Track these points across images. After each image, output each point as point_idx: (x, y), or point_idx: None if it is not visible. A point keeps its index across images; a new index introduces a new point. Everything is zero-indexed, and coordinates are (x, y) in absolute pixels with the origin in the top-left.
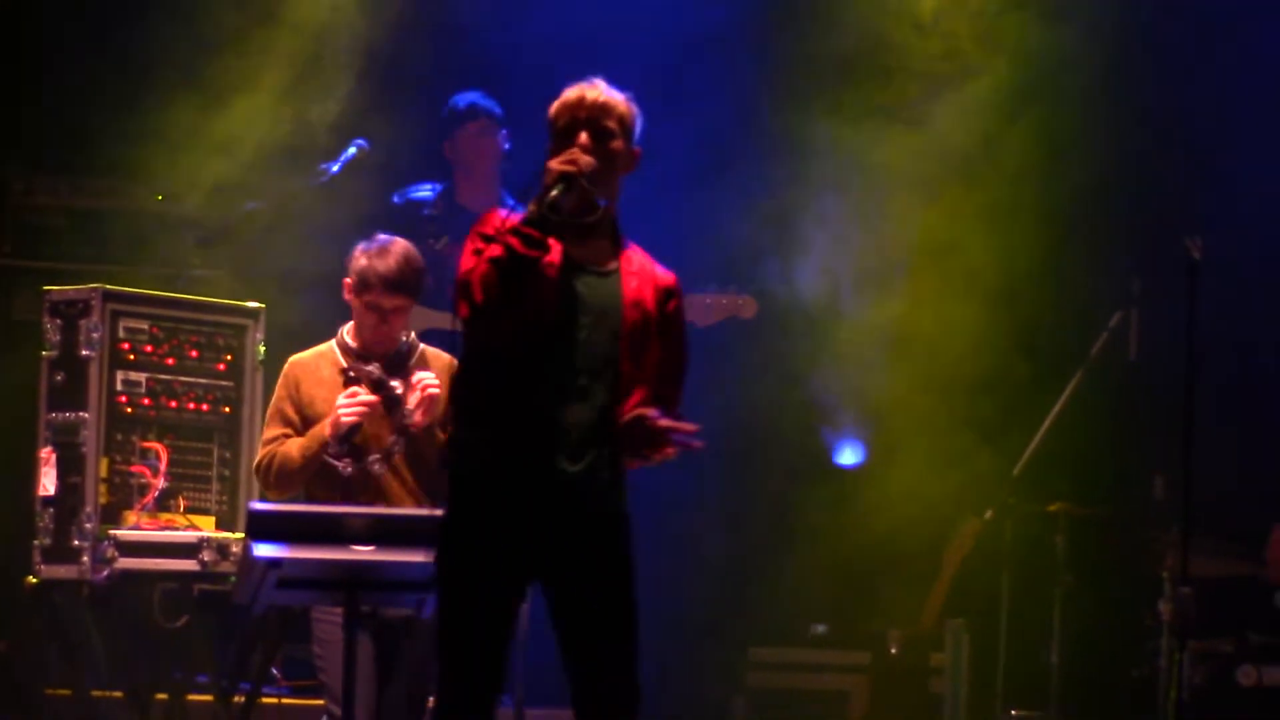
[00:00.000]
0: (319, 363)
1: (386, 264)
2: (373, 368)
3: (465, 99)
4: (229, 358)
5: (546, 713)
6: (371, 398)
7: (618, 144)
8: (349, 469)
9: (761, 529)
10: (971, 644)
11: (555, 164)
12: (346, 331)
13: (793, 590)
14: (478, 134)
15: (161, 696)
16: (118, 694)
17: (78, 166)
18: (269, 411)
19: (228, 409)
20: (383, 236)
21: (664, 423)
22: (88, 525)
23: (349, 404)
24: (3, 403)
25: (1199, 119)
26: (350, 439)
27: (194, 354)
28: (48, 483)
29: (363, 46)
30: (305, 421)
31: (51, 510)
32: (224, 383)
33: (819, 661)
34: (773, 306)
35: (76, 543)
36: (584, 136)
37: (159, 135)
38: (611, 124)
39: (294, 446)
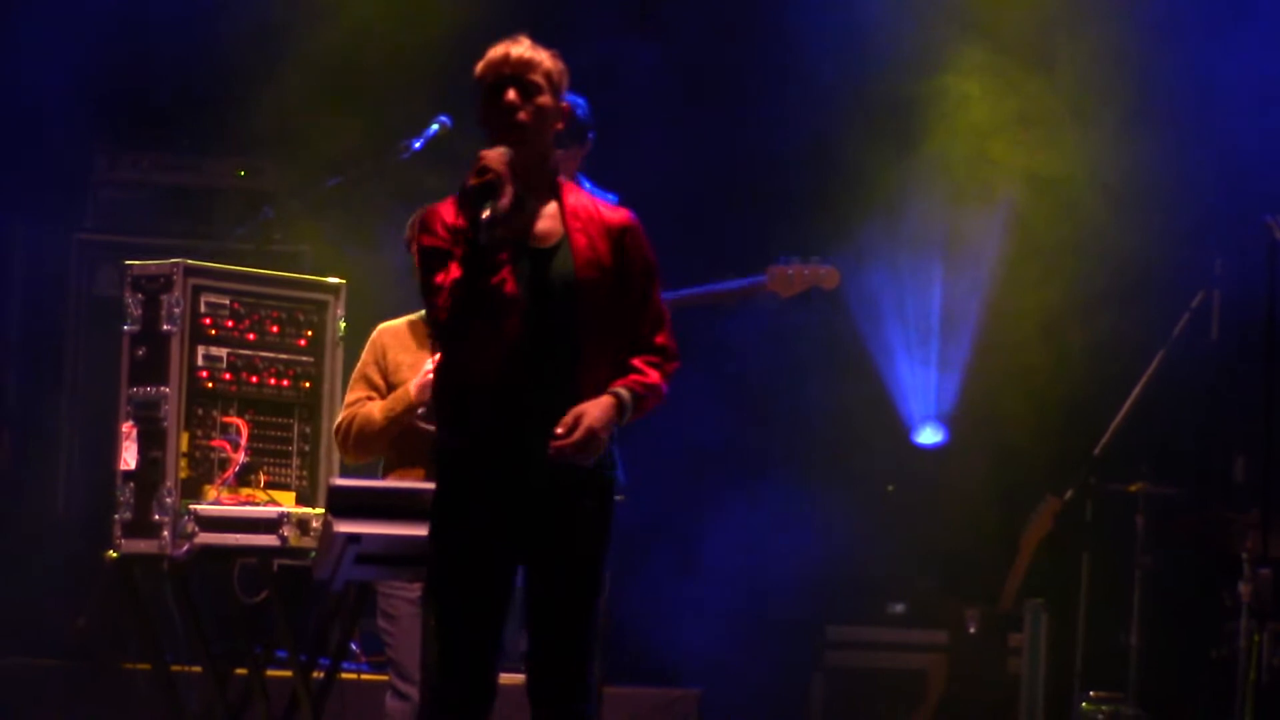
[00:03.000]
0: (407, 331)
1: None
2: None
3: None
4: (310, 333)
5: (629, 690)
6: None
7: (545, 99)
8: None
9: (838, 507)
10: (1050, 624)
11: (472, 181)
12: None
13: (871, 569)
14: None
15: (241, 671)
16: (197, 669)
17: (160, 142)
18: (353, 376)
19: (308, 384)
20: None
21: (556, 446)
22: (168, 500)
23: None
24: (84, 377)
25: None
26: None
27: (275, 329)
28: (128, 457)
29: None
30: (390, 388)
31: (132, 485)
32: (304, 358)
33: (897, 640)
34: (851, 283)
35: (157, 517)
36: (511, 93)
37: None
38: (538, 78)
39: (376, 408)
